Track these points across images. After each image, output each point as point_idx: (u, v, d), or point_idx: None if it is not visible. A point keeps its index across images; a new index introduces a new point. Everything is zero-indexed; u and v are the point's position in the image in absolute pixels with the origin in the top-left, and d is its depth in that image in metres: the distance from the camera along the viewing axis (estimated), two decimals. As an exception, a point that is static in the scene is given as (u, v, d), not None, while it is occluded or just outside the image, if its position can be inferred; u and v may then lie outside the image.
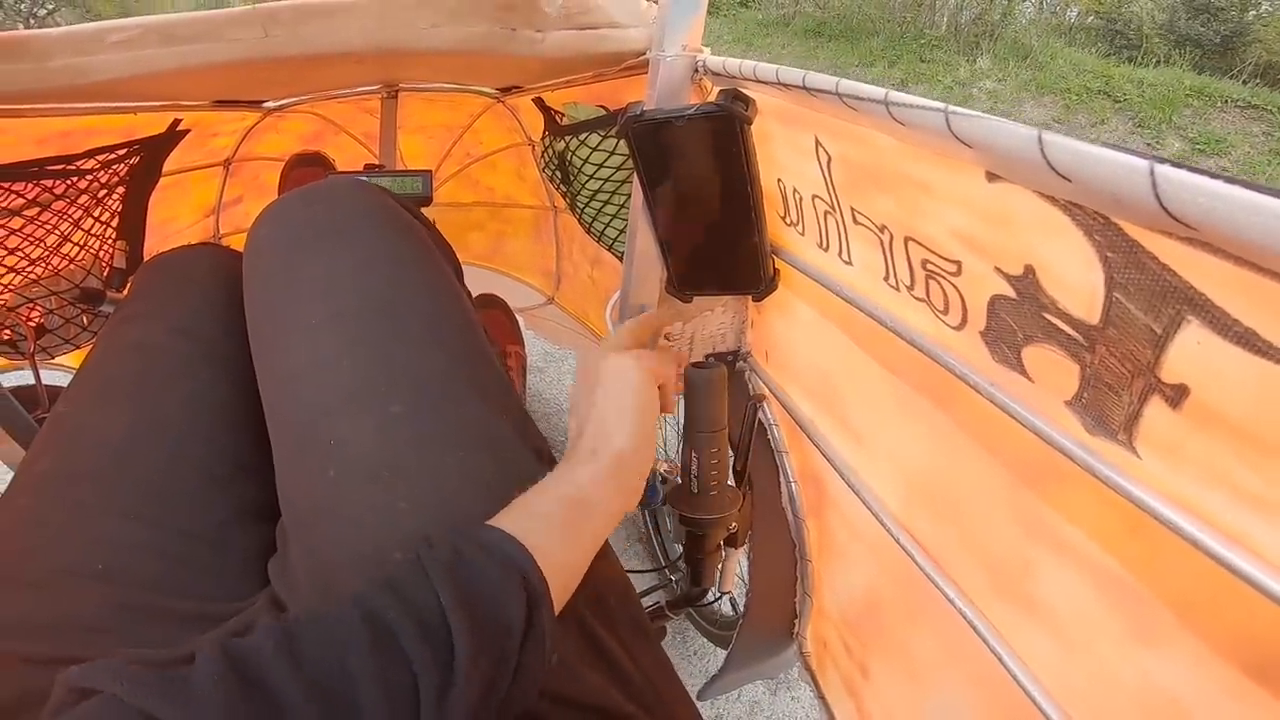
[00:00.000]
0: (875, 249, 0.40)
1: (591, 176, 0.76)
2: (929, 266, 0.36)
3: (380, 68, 0.86)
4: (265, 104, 1.01)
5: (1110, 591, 0.31)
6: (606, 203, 0.78)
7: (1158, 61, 5.81)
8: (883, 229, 0.39)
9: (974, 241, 0.32)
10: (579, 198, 0.82)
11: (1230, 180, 0.19)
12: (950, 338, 0.37)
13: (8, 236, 0.70)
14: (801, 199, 0.47)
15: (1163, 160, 0.21)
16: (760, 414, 0.63)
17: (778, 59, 6.31)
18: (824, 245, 0.46)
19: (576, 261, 1.26)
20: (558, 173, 0.87)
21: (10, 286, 0.73)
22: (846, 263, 0.44)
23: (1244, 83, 5.36)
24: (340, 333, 0.43)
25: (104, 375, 0.49)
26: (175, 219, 1.05)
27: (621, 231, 0.81)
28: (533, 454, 0.44)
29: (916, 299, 0.38)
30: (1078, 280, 0.27)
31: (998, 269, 0.31)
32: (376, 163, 1.06)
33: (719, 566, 0.67)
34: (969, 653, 0.41)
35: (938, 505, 0.43)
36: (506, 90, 1.08)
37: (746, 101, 0.46)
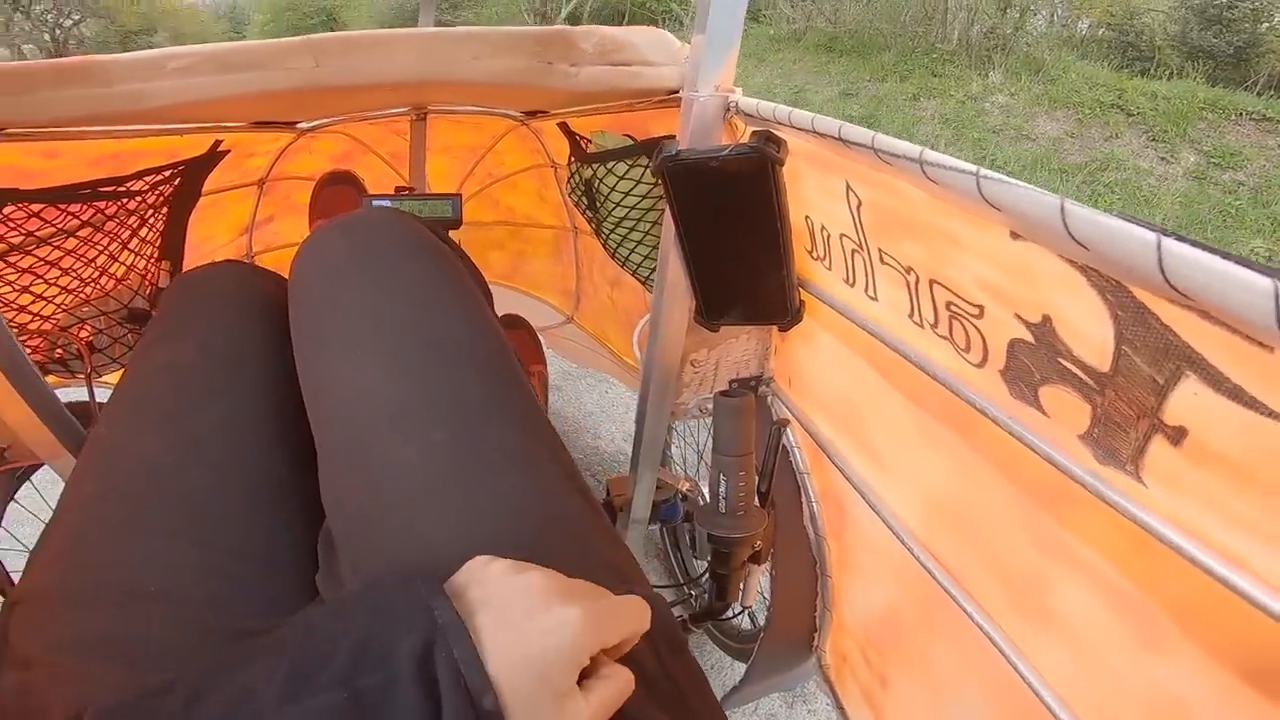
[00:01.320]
0: (901, 288, 0.43)
1: (618, 204, 0.79)
2: (953, 308, 0.38)
3: (415, 93, 0.89)
4: (299, 125, 1.04)
5: (1120, 605, 0.33)
6: (632, 229, 0.81)
7: (1171, 74, 5.79)
8: (909, 270, 0.41)
9: (996, 289, 0.35)
10: (605, 224, 0.84)
11: (1227, 256, 0.22)
12: (971, 374, 0.39)
13: (63, 257, 0.72)
14: (829, 236, 0.49)
15: (1168, 233, 0.24)
16: (783, 438, 0.65)
17: (789, 74, 6.34)
18: (850, 281, 0.49)
19: (596, 282, 1.28)
20: (584, 198, 0.90)
21: (64, 306, 0.76)
22: (872, 298, 0.47)
23: (1258, 95, 5.33)
24: (383, 360, 0.45)
25: (138, 396, 0.50)
26: (212, 238, 1.08)
27: (646, 257, 0.83)
28: (562, 473, 0.45)
29: (940, 336, 0.41)
30: (1090, 333, 0.30)
31: (1018, 316, 0.34)
32: (406, 185, 1.09)
33: (742, 582, 0.69)
34: (987, 663, 0.43)
35: (957, 525, 0.46)
36: (531, 114, 1.11)
37: (778, 143, 0.49)
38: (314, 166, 1.18)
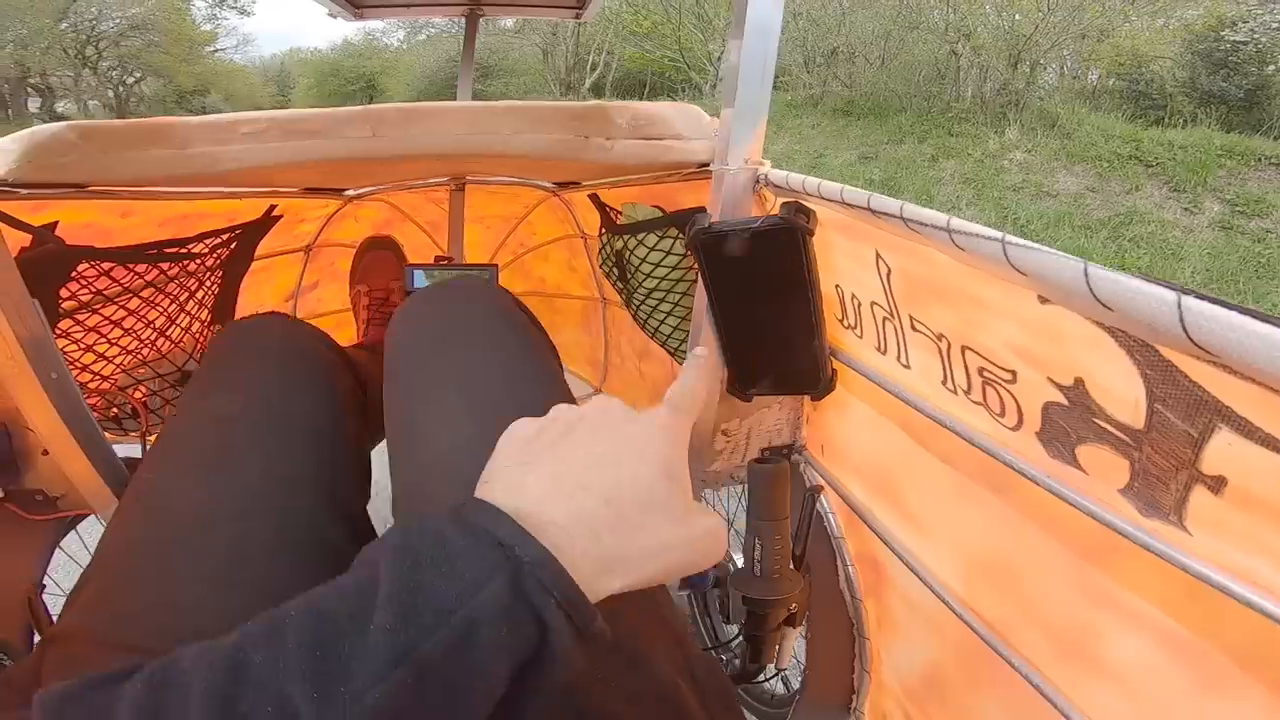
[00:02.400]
0: (933, 355, 0.44)
1: (649, 275, 0.81)
2: (986, 374, 0.40)
3: (458, 164, 0.94)
4: (346, 192, 1.09)
5: (1175, 650, 0.33)
6: (662, 300, 0.83)
7: (1185, 121, 5.82)
8: (940, 337, 0.42)
9: (1028, 354, 0.36)
10: (635, 295, 0.87)
11: (1245, 311, 0.24)
12: (1007, 437, 0.40)
13: (125, 317, 0.76)
14: (860, 304, 0.51)
15: (1188, 291, 0.25)
16: (817, 504, 0.65)
17: (808, 139, 6.49)
18: (882, 349, 0.50)
19: (624, 353, 1.30)
20: (615, 269, 0.93)
21: (123, 367, 0.79)
22: (905, 366, 0.48)
23: (1276, 139, 5.32)
24: (478, 425, 0.47)
25: (184, 444, 0.52)
26: (260, 303, 1.12)
27: (675, 328, 0.85)
28: None
29: (974, 403, 0.42)
30: (1122, 392, 0.31)
31: (1050, 379, 0.35)
32: (445, 255, 1.12)
33: (778, 644, 0.69)
34: (1036, 715, 0.43)
35: (999, 582, 0.46)
36: (563, 185, 1.16)
37: (808, 214, 0.51)
38: (358, 233, 1.23)
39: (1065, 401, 0.34)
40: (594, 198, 0.98)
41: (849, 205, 0.44)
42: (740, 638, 0.71)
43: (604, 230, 0.95)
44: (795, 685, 0.86)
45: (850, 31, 7.12)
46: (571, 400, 0.53)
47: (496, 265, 0.97)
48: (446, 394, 0.50)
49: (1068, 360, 0.33)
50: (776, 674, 0.79)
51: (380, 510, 0.55)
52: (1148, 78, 6.69)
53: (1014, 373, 0.37)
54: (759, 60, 0.54)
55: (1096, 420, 0.33)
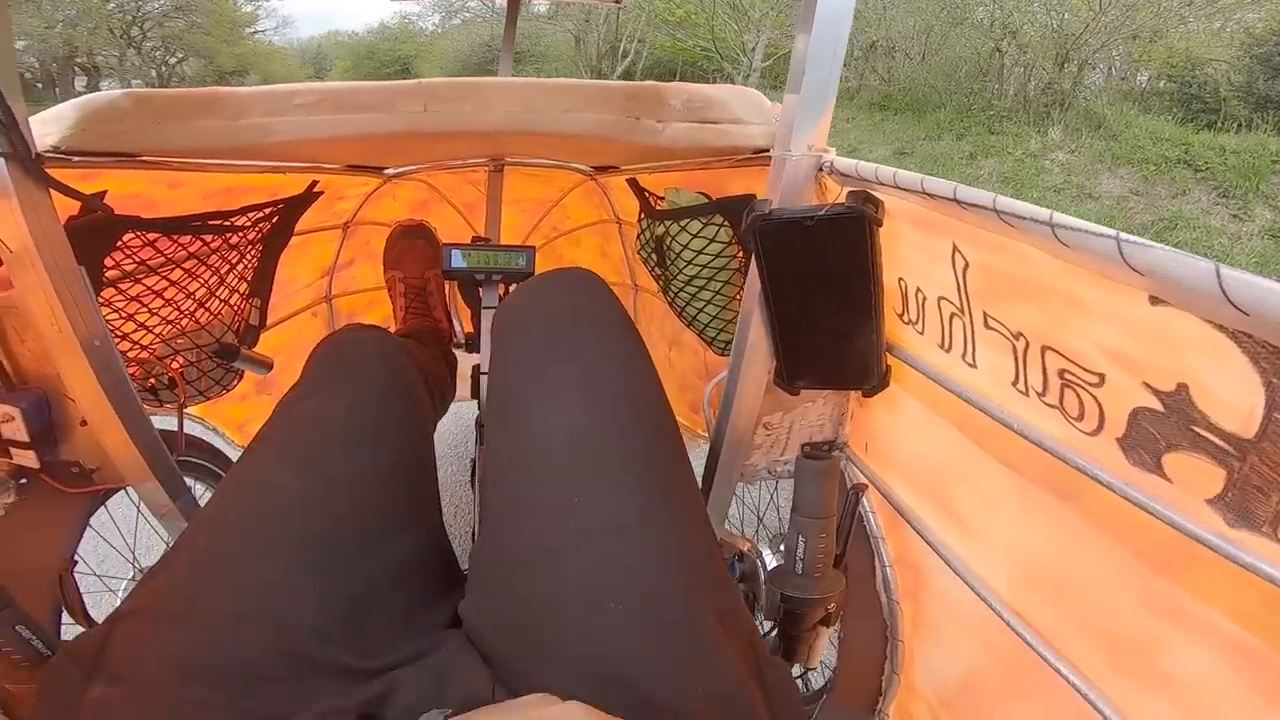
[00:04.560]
0: (1006, 354, 0.42)
1: (690, 262, 0.80)
2: (1066, 376, 0.37)
3: (501, 143, 0.92)
4: (386, 170, 1.09)
5: (1244, 662, 0.32)
6: (703, 288, 0.81)
7: (1239, 126, 5.62)
8: (1018, 336, 0.40)
9: (1124, 357, 0.34)
10: (674, 282, 0.85)
11: None
12: (1082, 442, 0.38)
13: (167, 288, 0.76)
14: (925, 299, 0.49)
15: None
16: (859, 503, 0.64)
17: (842, 133, 6.38)
18: (945, 346, 0.48)
19: (654, 341, 1.28)
20: (654, 255, 0.91)
21: (162, 337, 0.79)
22: (970, 365, 0.46)
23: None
24: (592, 412, 0.50)
25: (283, 440, 0.55)
26: (296, 278, 1.13)
27: (715, 317, 0.83)
28: (707, 526, 0.51)
29: (1048, 405, 0.40)
30: (1236, 399, 0.29)
31: (1146, 384, 0.33)
32: (483, 236, 1.11)
33: (811, 644, 0.67)
34: None
35: (1054, 589, 0.44)
36: (601, 169, 1.14)
37: (876, 204, 0.49)
38: (395, 213, 1.22)
39: (1160, 408, 0.32)
40: (633, 182, 0.97)
41: (930, 196, 0.42)
42: (771, 634, 0.70)
43: (643, 215, 0.93)
44: (815, 686, 0.84)
45: (890, 26, 7.00)
46: (663, 395, 0.55)
47: (534, 247, 0.95)
48: (565, 379, 0.52)
49: (1173, 364, 0.31)
50: (802, 674, 0.78)
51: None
52: (1201, 80, 6.47)
53: (1102, 376, 0.35)
54: (829, 44, 0.52)
55: (1195, 428, 0.31)
